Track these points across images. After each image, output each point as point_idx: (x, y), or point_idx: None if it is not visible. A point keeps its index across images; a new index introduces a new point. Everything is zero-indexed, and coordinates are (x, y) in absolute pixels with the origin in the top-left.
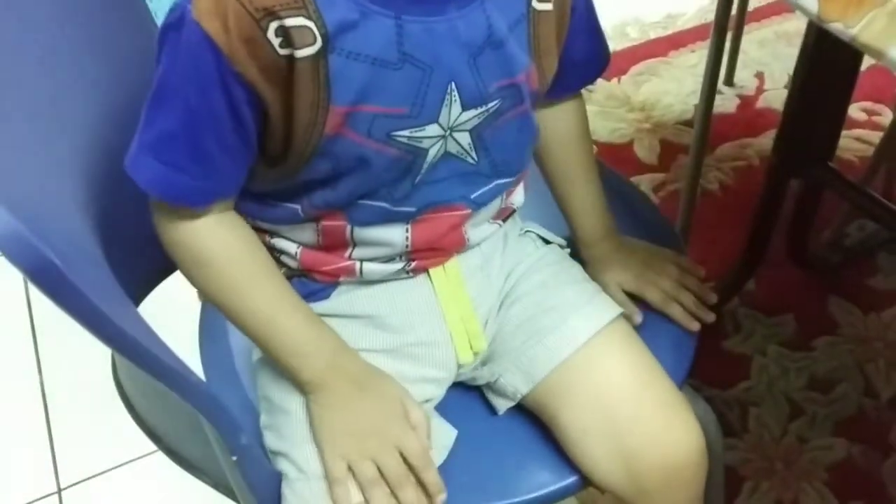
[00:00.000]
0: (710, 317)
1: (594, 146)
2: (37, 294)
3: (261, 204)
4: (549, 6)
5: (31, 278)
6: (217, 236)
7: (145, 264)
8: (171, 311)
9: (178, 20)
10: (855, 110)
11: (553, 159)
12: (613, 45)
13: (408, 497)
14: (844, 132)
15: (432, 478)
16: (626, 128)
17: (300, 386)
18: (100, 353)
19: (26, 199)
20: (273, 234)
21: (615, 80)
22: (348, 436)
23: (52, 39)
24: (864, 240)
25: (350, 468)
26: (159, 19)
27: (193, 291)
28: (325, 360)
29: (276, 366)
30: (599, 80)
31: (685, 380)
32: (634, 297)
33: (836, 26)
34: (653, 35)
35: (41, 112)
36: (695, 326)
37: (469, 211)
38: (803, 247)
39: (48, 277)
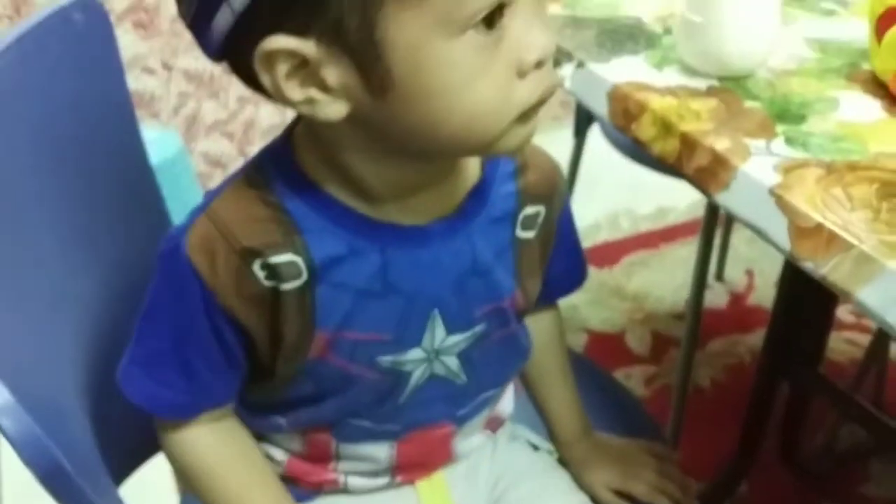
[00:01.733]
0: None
1: (586, 334)
2: (9, 465)
3: (247, 411)
4: (531, 234)
5: (41, 481)
6: (208, 448)
7: (130, 445)
8: (151, 496)
9: (172, 249)
10: (843, 312)
11: (530, 366)
12: (605, 234)
13: None
14: (834, 334)
15: None
16: (618, 317)
17: None
18: None
19: (33, 386)
20: (260, 439)
21: (607, 269)
22: None
23: (69, 227)
24: (855, 445)
25: None
26: (176, 219)
27: (172, 478)
28: None
29: None
30: (592, 268)
31: None
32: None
33: (808, 265)
34: (644, 227)
35: (48, 290)
36: None
37: (453, 427)
38: (795, 450)
39: (58, 481)
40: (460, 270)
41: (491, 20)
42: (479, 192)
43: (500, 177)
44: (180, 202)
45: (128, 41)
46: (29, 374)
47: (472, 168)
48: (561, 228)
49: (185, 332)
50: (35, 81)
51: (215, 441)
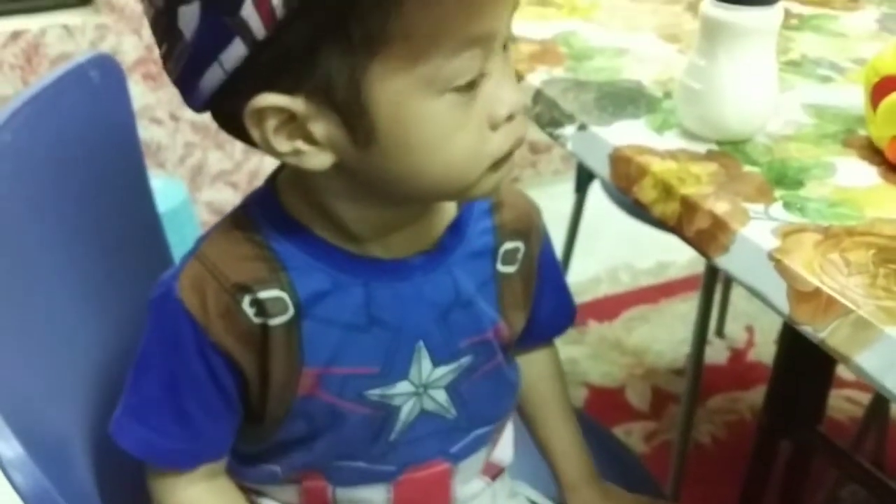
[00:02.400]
0: None
1: (586, 388)
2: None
3: (242, 464)
4: (512, 269)
5: None
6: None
7: (132, 496)
8: None
9: (163, 294)
10: (843, 370)
11: (529, 403)
12: (605, 288)
13: None
14: (834, 391)
15: None
16: (617, 372)
17: None
18: None
19: (41, 437)
20: (258, 493)
21: (607, 323)
22: None
23: (78, 275)
24: None
25: None
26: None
27: None
28: None
29: None
30: (592, 322)
31: None
32: None
33: (806, 329)
34: (644, 282)
35: (56, 339)
36: None
37: (448, 465)
38: None
39: None
40: (442, 302)
41: (472, 83)
42: (456, 228)
43: (476, 214)
44: (184, 251)
45: (137, 92)
46: (38, 425)
47: (449, 205)
48: (542, 266)
49: (179, 376)
50: (51, 134)
51: (210, 499)
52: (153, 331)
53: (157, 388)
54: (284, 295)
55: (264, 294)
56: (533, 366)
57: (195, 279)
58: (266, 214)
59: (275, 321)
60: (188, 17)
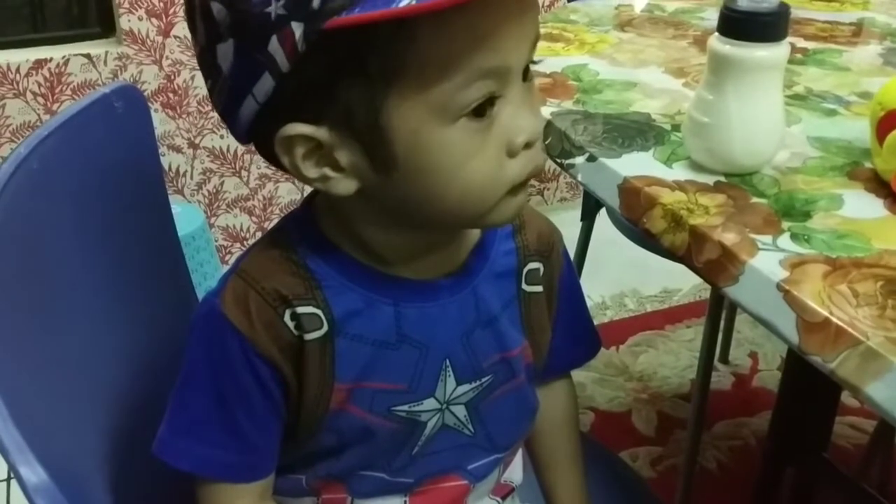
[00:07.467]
0: None
1: (592, 413)
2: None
3: None
4: (538, 288)
5: None
6: None
7: None
8: None
9: (207, 313)
10: (847, 396)
11: (540, 445)
12: (612, 314)
13: None
14: (839, 418)
15: None
16: (624, 397)
17: None
18: None
19: (64, 462)
20: None
21: (614, 348)
22: None
23: (101, 297)
24: None
25: None
26: (201, 293)
27: None
28: None
29: None
30: None
31: None
32: None
33: (816, 359)
34: (650, 308)
35: (77, 361)
36: None
37: (466, 482)
38: None
39: None
40: (467, 322)
41: (481, 111)
42: (480, 250)
43: (499, 236)
44: (200, 274)
45: (157, 120)
46: (61, 450)
47: (473, 230)
48: (561, 290)
49: (228, 391)
50: (77, 162)
51: None
52: (198, 349)
53: (206, 404)
54: (319, 312)
55: (301, 309)
56: (549, 409)
57: (238, 294)
58: (302, 235)
59: (310, 336)
60: (225, 54)
